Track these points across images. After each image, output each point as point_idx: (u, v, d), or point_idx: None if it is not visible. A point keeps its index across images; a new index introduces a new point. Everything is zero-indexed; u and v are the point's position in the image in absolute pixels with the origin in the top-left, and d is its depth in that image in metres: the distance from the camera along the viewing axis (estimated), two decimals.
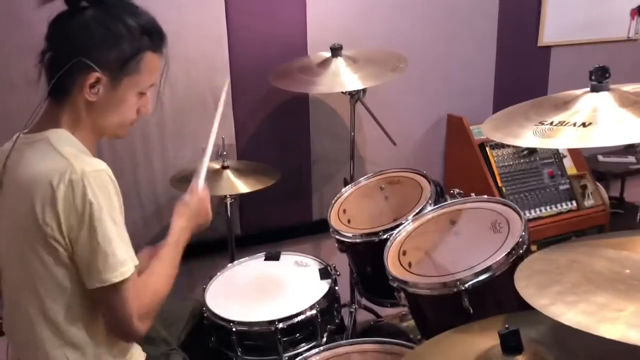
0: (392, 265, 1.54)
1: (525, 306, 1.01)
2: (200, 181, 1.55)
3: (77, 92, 1.22)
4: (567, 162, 2.65)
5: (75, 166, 1.15)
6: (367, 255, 1.81)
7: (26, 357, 1.28)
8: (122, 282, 1.18)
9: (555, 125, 1.23)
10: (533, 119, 1.28)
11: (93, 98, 1.22)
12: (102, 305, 1.23)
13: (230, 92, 2.32)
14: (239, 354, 1.63)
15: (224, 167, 2.15)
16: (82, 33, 1.19)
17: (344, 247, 1.86)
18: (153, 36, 1.27)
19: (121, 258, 1.18)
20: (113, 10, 1.22)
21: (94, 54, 1.19)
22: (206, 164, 1.59)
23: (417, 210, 1.73)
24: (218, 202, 2.18)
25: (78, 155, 1.19)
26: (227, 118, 2.37)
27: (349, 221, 1.90)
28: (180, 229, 1.41)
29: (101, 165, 1.19)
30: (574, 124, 1.20)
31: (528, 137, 1.23)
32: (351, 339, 1.61)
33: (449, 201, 1.72)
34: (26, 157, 1.21)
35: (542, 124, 1.25)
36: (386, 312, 2.45)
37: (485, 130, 1.37)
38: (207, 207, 1.52)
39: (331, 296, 1.72)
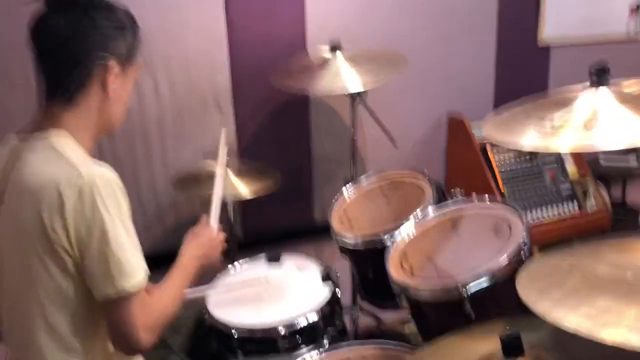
0: (394, 269, 1.54)
1: (526, 310, 1.00)
2: (214, 222, 1.56)
3: (94, 88, 1.23)
4: (569, 164, 2.64)
5: (82, 172, 1.14)
6: (368, 259, 1.80)
7: None
8: (137, 291, 1.17)
9: (557, 126, 1.22)
10: (534, 118, 1.27)
11: (112, 92, 1.25)
12: (110, 316, 1.20)
13: (225, 88, 2.32)
14: (240, 358, 1.63)
15: None
16: (92, 29, 1.21)
17: (346, 251, 1.86)
18: (137, 25, 1.31)
19: (135, 265, 1.17)
20: (103, 6, 1.25)
21: (110, 48, 1.23)
22: (217, 206, 1.60)
23: (418, 214, 1.72)
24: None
25: (84, 161, 1.19)
26: (227, 118, 2.37)
27: (350, 225, 1.89)
28: (189, 256, 1.40)
29: (108, 170, 1.19)
30: (575, 126, 1.19)
31: (529, 137, 1.22)
32: (352, 342, 1.61)
33: (451, 205, 1.71)
34: (30, 160, 1.19)
35: (543, 123, 1.24)
36: (388, 316, 2.45)
37: (486, 130, 1.37)
38: (217, 248, 1.51)
39: (333, 300, 1.72)
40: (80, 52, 1.20)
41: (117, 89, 1.26)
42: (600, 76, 1.25)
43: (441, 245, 1.57)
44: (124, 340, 1.21)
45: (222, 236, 1.54)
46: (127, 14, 1.28)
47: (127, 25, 1.27)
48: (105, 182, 1.16)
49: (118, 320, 1.19)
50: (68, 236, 1.14)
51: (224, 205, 2.15)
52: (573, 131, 1.18)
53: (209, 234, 1.50)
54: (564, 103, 1.28)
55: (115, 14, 1.25)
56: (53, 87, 1.23)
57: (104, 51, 1.21)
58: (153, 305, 1.23)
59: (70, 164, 1.16)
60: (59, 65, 1.22)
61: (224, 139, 1.83)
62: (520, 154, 2.60)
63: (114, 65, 1.23)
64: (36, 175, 1.17)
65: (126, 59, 1.27)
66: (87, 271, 1.17)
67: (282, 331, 1.58)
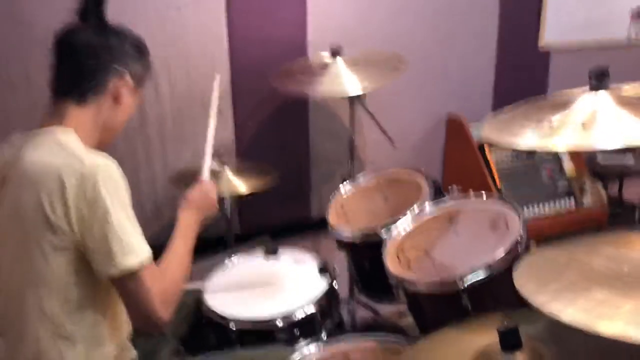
0: (391, 263, 1.55)
1: (524, 304, 1.01)
2: (204, 174, 1.60)
3: (108, 95, 1.33)
4: (566, 162, 2.65)
5: (85, 160, 1.19)
6: (366, 254, 1.81)
7: (18, 352, 1.27)
8: (141, 268, 1.20)
9: (555, 125, 1.23)
10: (533, 119, 1.29)
11: (123, 102, 1.35)
12: (123, 295, 1.24)
13: (225, 88, 2.33)
14: (238, 350, 1.63)
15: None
16: (118, 44, 1.34)
17: (343, 245, 1.87)
18: (149, 55, 1.44)
19: (137, 245, 1.21)
20: (120, 29, 1.37)
21: (128, 64, 1.35)
22: (208, 158, 1.65)
23: (415, 209, 1.73)
24: (217, 202, 2.18)
25: (86, 152, 1.23)
26: (227, 118, 2.37)
27: (347, 219, 1.90)
28: (186, 224, 1.44)
29: (109, 160, 1.23)
30: (574, 125, 1.20)
31: (528, 138, 1.23)
32: (350, 335, 1.61)
33: (448, 200, 1.72)
34: (33, 150, 1.23)
35: (542, 124, 1.25)
36: (385, 309, 2.45)
37: (484, 130, 1.38)
38: (212, 198, 1.56)
39: (330, 293, 1.72)
40: (104, 61, 1.31)
41: (126, 102, 1.36)
42: (600, 80, 1.26)
43: (438, 240, 1.58)
44: (142, 315, 1.24)
45: (214, 187, 1.59)
46: (144, 43, 1.41)
47: (145, 51, 1.40)
48: (107, 169, 1.20)
49: (132, 297, 1.23)
50: (68, 216, 1.17)
51: (223, 205, 2.17)
52: (571, 131, 1.19)
53: (201, 193, 1.54)
54: (563, 104, 1.29)
55: (137, 38, 1.39)
56: (69, 86, 1.30)
57: (123, 64, 1.33)
58: (163, 277, 1.27)
59: (73, 154, 1.20)
60: (81, 70, 1.31)
61: (218, 86, 1.87)
62: (518, 153, 2.61)
63: (128, 79, 1.34)
64: (37, 164, 1.20)
65: (139, 78, 1.39)
66: (89, 252, 1.20)
67: (280, 324, 1.59)
